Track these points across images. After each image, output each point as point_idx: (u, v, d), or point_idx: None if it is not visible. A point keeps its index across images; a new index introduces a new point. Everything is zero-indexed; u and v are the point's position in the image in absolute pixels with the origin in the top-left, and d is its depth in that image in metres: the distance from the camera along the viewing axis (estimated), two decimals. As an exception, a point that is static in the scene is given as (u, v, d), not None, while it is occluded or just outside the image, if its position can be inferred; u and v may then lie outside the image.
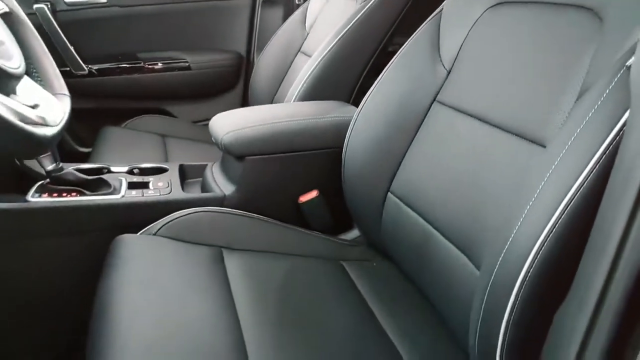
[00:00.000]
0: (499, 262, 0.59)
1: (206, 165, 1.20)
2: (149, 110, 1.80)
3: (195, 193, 1.07)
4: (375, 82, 1.01)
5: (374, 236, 1.01)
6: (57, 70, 0.83)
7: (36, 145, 0.61)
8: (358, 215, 1.04)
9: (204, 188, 1.13)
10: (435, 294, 0.84)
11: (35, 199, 0.95)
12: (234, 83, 1.93)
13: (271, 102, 1.63)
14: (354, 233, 1.12)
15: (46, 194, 0.97)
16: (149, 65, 1.79)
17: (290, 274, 0.91)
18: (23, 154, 0.65)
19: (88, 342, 0.69)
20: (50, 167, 0.97)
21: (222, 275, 0.86)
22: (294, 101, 1.27)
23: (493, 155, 0.76)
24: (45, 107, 0.71)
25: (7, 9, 0.76)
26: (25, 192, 0.96)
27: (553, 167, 0.58)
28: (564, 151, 0.58)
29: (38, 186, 0.99)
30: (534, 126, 0.70)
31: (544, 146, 0.67)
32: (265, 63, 1.73)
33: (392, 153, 0.94)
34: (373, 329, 0.81)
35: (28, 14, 1.51)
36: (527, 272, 0.55)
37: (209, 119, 1.86)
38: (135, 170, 1.14)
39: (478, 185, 0.76)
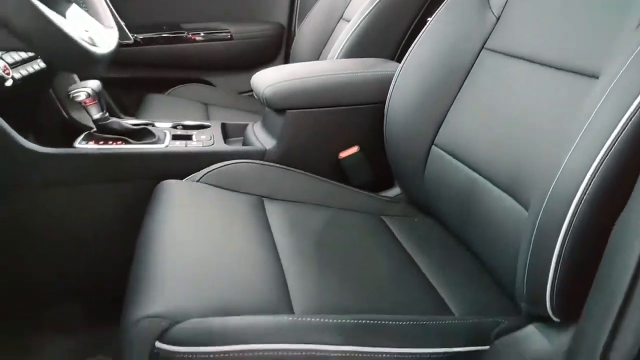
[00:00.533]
0: (547, 197, 0.56)
1: (247, 124, 1.21)
2: (190, 80, 1.82)
3: (237, 146, 1.08)
4: (420, 34, 0.99)
5: (416, 192, 0.99)
6: (106, 6, 0.84)
7: (90, 61, 0.62)
8: (400, 171, 1.02)
9: (245, 144, 1.14)
10: (480, 243, 0.81)
11: (82, 145, 0.97)
12: (276, 54, 1.94)
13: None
14: (395, 191, 1.10)
15: (92, 142, 0.99)
16: (192, 35, 1.82)
17: (331, 223, 0.90)
18: (77, 69, 0.67)
19: (131, 272, 0.71)
20: (97, 116, 0.99)
21: (263, 220, 0.86)
22: (337, 58, 1.26)
23: (544, 94, 0.73)
24: (95, 32, 0.73)
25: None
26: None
27: (603, 97, 0.55)
28: (614, 82, 0.55)
29: (85, 135, 1.02)
30: (587, 61, 0.67)
31: (597, 78, 0.64)
32: (306, 32, 1.72)
33: (437, 105, 0.92)
34: (415, 277, 0.79)
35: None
36: (578, 203, 0.52)
37: (248, 91, 1.88)
38: (179, 127, 1.16)
39: (528, 125, 0.73)
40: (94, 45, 0.67)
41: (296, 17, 1.89)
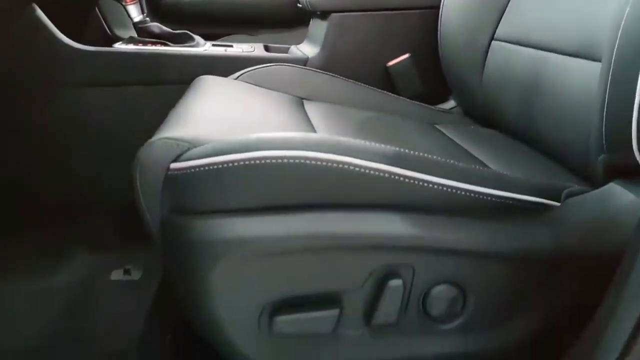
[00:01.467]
0: (620, 32, 0.47)
1: (291, 46, 1.15)
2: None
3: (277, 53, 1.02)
4: None
5: (472, 100, 0.90)
6: None
7: None
8: (456, 79, 0.93)
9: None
10: (548, 127, 0.71)
11: (121, 46, 0.95)
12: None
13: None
14: (449, 104, 1.00)
15: (132, 45, 0.96)
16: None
17: (380, 124, 0.82)
18: None
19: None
20: (137, 18, 0.96)
21: (303, 114, 0.79)
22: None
23: None
24: None
25: None
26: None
27: None
28: None
29: (127, 39, 0.99)
30: None
31: None
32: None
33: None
34: (478, 164, 0.69)
35: None
36: None
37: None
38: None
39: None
40: None
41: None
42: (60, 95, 0.93)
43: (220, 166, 0.45)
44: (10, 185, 0.97)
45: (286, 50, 1.13)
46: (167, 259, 0.51)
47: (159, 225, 0.50)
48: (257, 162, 0.44)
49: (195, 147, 0.49)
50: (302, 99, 0.88)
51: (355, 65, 0.98)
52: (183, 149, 0.49)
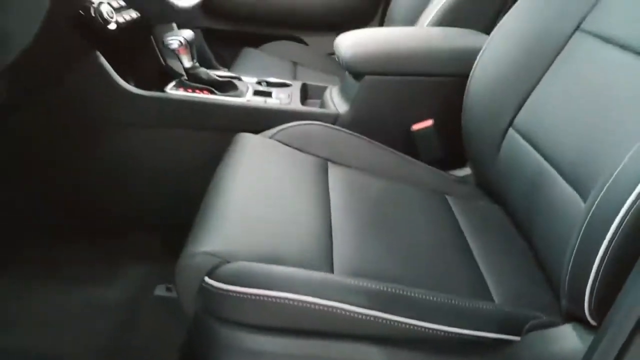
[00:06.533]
0: (603, 192, 0.54)
1: (327, 87, 1.23)
2: (285, 37, 1.86)
3: (311, 107, 1.11)
4: (512, 9, 0.94)
5: (486, 174, 0.97)
6: None
7: (175, 12, 0.67)
8: (473, 151, 0.99)
9: (322, 105, 1.16)
10: (538, 234, 0.78)
11: (172, 91, 1.06)
12: (373, 14, 1.90)
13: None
14: (465, 171, 1.07)
15: (182, 89, 1.07)
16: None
17: (390, 193, 0.91)
18: (164, 19, 0.71)
19: (199, 211, 0.77)
20: (188, 65, 1.06)
21: (324, 181, 0.89)
22: (427, 24, 1.23)
23: (633, 86, 0.67)
24: None
25: None
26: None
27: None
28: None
29: (177, 81, 1.10)
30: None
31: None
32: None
33: (521, 84, 0.88)
34: (464, 258, 0.79)
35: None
36: (632, 204, 0.49)
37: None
38: (263, 83, 1.21)
39: (608, 117, 0.68)
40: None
41: (396, -21, 1.84)
42: (117, 132, 1.06)
43: (244, 296, 0.58)
44: (70, 201, 1.12)
45: (323, 91, 1.21)
46: (196, 346, 0.64)
47: (193, 315, 0.64)
48: (277, 300, 0.58)
49: (227, 262, 0.61)
50: (328, 160, 0.97)
51: (381, 126, 1.06)
52: (216, 264, 0.61)
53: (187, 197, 1.09)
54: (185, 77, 1.10)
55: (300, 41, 1.91)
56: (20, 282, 1.10)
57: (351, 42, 1.05)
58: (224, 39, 1.85)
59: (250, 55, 1.65)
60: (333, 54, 1.88)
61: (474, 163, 1.02)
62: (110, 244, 1.14)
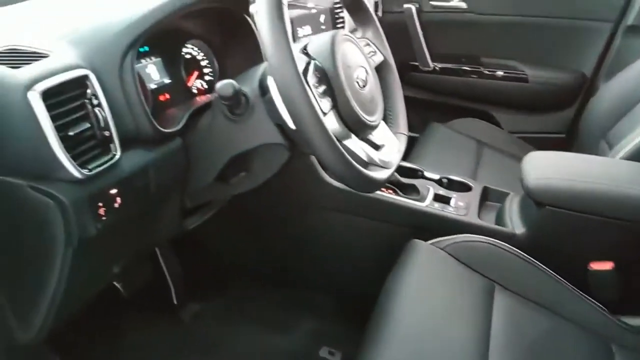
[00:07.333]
0: None
1: (509, 194, 1.26)
2: (475, 113, 1.91)
3: (487, 222, 1.16)
4: None
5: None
6: (405, 112, 1.02)
7: (369, 185, 0.80)
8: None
9: (499, 217, 1.20)
10: None
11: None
12: (570, 102, 1.85)
13: (604, 136, 1.53)
14: (636, 320, 1.02)
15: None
16: (488, 71, 1.88)
17: (554, 335, 0.93)
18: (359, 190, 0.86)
19: (368, 323, 0.91)
20: None
21: (488, 309, 0.95)
22: (622, 155, 1.19)
23: None
24: (388, 148, 0.91)
25: (382, 58, 0.97)
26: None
27: None
28: None
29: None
30: None
31: None
32: (610, 90, 1.60)
33: None
34: None
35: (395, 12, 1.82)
36: None
37: (531, 132, 1.88)
38: (444, 180, 1.30)
39: None
40: (383, 166, 0.84)
41: (604, 70, 1.76)
42: (316, 213, 1.28)
43: None
44: (273, 257, 1.39)
45: (504, 198, 1.26)
46: None
47: None
48: None
49: None
50: (495, 282, 1.03)
51: (556, 255, 1.06)
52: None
53: (362, 272, 1.26)
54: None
55: (491, 117, 1.94)
56: (220, 313, 1.40)
57: (537, 171, 1.07)
58: (414, 106, 1.98)
59: (436, 132, 1.75)
60: (520, 132, 1.90)
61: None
62: (293, 297, 1.40)
